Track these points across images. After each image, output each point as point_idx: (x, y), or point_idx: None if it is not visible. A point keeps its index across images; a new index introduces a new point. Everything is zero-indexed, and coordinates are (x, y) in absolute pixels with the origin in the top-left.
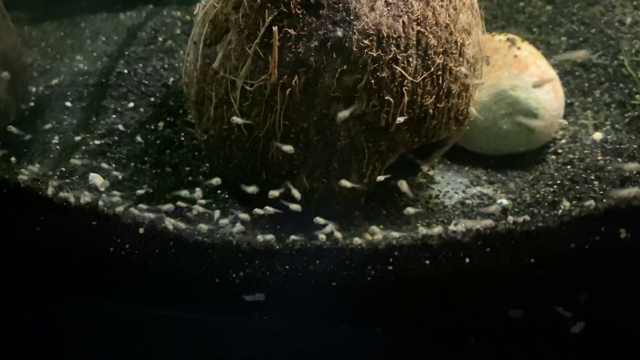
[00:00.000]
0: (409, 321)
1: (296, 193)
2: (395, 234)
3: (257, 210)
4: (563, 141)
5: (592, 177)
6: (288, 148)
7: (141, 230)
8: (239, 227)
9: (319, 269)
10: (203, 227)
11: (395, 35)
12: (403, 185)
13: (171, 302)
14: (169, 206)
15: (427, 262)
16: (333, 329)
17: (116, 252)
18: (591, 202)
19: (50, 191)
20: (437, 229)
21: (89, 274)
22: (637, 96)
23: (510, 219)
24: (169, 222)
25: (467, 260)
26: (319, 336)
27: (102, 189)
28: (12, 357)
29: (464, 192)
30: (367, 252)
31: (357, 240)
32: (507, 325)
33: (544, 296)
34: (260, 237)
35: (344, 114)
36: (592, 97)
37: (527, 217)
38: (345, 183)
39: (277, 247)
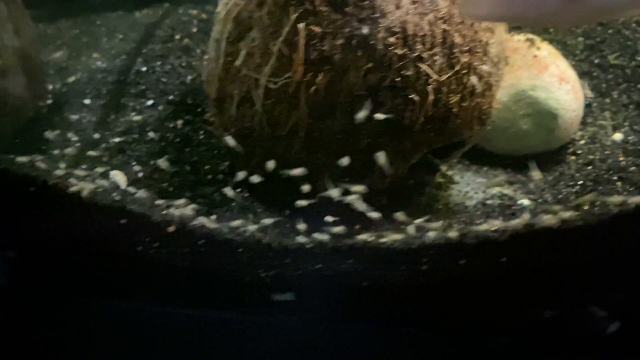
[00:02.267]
0: (441, 321)
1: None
2: (431, 233)
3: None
4: (582, 142)
5: (615, 178)
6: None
7: (171, 229)
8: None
9: (350, 267)
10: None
11: (421, 34)
12: (381, 158)
13: (200, 302)
14: (193, 206)
15: (463, 261)
16: (362, 328)
17: (144, 251)
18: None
19: (73, 189)
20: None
21: (116, 274)
22: None
23: (548, 216)
24: (203, 220)
25: (505, 259)
26: (348, 336)
27: (124, 187)
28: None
29: (484, 192)
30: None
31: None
32: (542, 326)
33: (581, 295)
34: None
35: (362, 115)
36: (610, 98)
37: (566, 214)
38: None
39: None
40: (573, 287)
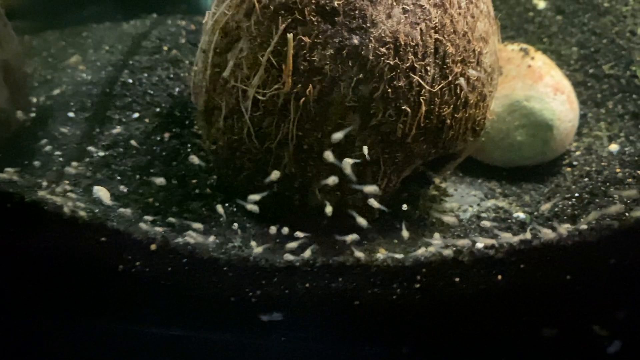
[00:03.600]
0: (437, 341)
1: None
2: (422, 251)
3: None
4: (578, 153)
5: (612, 190)
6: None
7: (153, 247)
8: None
9: (341, 286)
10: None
11: (413, 43)
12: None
13: (184, 322)
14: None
15: (457, 279)
16: (357, 349)
17: (126, 270)
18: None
19: (53, 205)
20: (462, 244)
21: (98, 292)
22: None
23: (546, 232)
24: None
25: (500, 277)
26: (341, 357)
27: (108, 203)
28: None
29: (478, 205)
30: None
31: (380, 256)
32: (541, 345)
33: (580, 314)
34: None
35: (338, 135)
36: (606, 108)
37: (563, 231)
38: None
39: (296, 264)
40: (574, 306)
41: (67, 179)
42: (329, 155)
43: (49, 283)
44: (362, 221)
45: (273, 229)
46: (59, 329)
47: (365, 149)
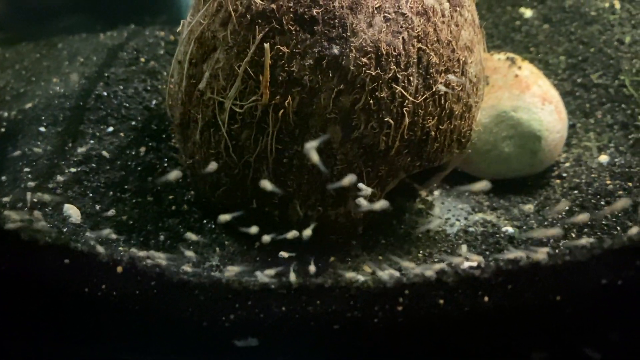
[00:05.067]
0: None
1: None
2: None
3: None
4: (567, 164)
5: (603, 203)
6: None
7: (119, 269)
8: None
9: (319, 309)
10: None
11: (395, 53)
12: (313, 154)
13: (153, 349)
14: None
15: (441, 301)
16: None
17: (92, 293)
18: (626, 234)
19: (16, 225)
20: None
21: (62, 318)
22: None
23: (535, 253)
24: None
25: (486, 298)
26: None
27: (78, 222)
28: None
29: (465, 219)
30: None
31: (360, 277)
32: None
33: (570, 336)
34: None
35: (312, 144)
36: (594, 119)
37: (552, 251)
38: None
39: (273, 286)
40: (564, 327)
41: (35, 197)
42: (312, 152)
43: (11, 308)
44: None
45: (253, 247)
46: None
47: (314, 153)
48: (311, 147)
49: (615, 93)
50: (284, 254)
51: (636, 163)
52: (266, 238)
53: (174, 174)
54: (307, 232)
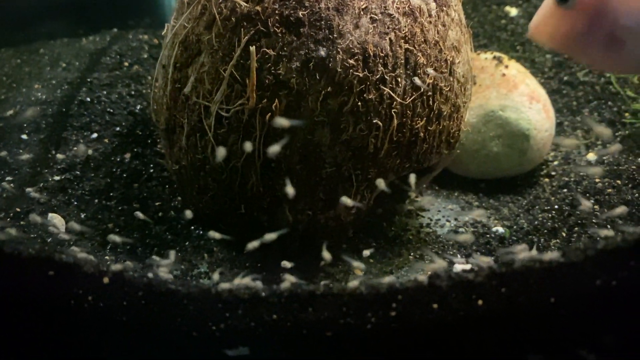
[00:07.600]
0: None
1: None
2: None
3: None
4: (556, 163)
5: (592, 201)
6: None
7: (105, 280)
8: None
9: (311, 316)
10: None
11: (382, 54)
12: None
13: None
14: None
15: (435, 305)
16: None
17: (78, 305)
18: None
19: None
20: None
21: (47, 331)
22: (627, 115)
23: (528, 254)
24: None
25: (480, 302)
26: None
27: (62, 231)
28: None
29: (456, 219)
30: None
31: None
32: None
33: (566, 339)
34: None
35: (274, 148)
36: (582, 116)
37: (547, 253)
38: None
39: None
40: (559, 329)
41: (17, 207)
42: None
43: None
44: (326, 255)
45: (241, 254)
46: None
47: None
48: (273, 152)
49: (602, 90)
50: (286, 264)
51: (624, 160)
52: (254, 244)
53: (221, 152)
54: (271, 236)
